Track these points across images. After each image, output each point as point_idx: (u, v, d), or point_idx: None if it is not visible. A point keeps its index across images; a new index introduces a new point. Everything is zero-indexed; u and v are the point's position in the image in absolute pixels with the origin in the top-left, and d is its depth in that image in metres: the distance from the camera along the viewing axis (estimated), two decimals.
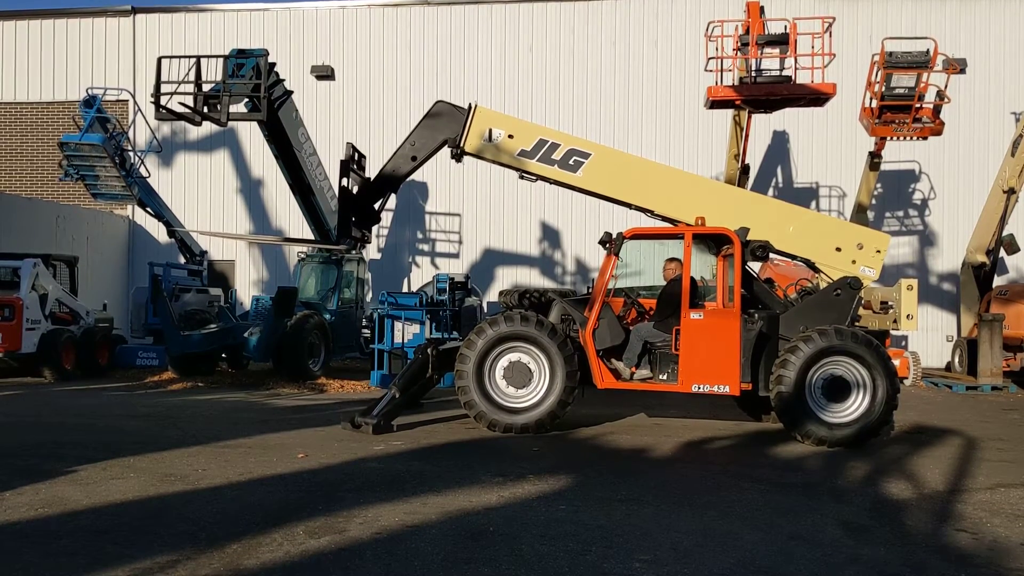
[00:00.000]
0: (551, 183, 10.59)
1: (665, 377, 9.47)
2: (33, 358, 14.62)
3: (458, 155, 10.68)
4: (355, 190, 10.56)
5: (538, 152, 10.28)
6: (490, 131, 10.35)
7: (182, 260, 18.15)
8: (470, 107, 10.44)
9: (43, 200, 20.58)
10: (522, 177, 10.63)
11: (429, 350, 9.95)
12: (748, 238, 9.42)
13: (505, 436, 9.33)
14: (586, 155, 10.26)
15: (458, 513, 5.86)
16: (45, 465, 7.19)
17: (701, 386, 9.19)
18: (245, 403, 12.18)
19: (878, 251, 9.95)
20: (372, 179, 10.71)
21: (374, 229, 21.11)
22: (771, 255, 9.83)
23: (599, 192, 10.46)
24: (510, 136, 10.34)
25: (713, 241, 10.18)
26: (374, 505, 6.00)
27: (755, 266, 10.55)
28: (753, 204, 10.48)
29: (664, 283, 10.27)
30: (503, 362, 9.38)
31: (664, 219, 10.69)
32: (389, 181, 10.70)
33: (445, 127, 10.54)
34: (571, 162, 10.26)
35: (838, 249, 9.93)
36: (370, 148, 20.77)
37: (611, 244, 9.58)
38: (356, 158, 10.80)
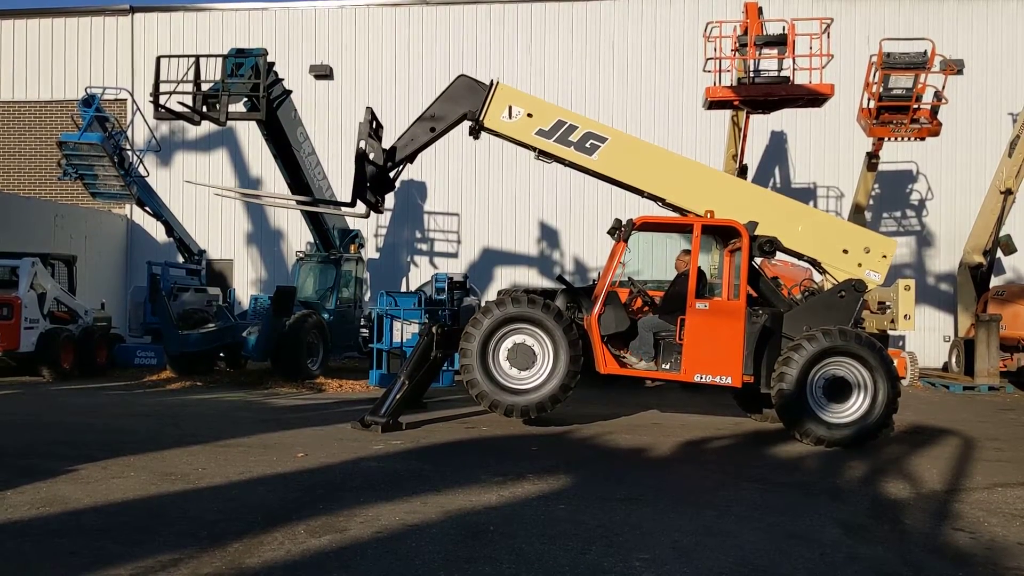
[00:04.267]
0: (566, 165, 10.61)
1: (668, 366, 9.51)
2: (31, 357, 14.61)
3: (476, 130, 10.73)
4: (372, 156, 10.54)
5: (556, 133, 10.32)
6: (510, 108, 10.40)
7: (180, 259, 18.14)
8: (492, 83, 10.51)
9: (41, 199, 20.56)
10: (538, 157, 10.67)
11: (434, 329, 10.00)
12: (756, 233, 9.49)
13: (504, 435, 9.36)
14: (603, 139, 10.30)
15: (458, 512, 5.88)
16: (45, 464, 7.20)
17: (704, 376, 9.25)
18: (244, 402, 12.19)
19: (884, 256, 9.98)
20: (389, 148, 10.71)
21: (373, 228, 21.31)
22: (776, 253, 9.89)
23: (613, 177, 10.47)
24: (529, 115, 10.38)
25: (721, 234, 10.22)
26: (374, 504, 6.02)
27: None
28: (764, 201, 10.48)
29: (674, 274, 10.36)
30: (507, 343, 9.40)
31: (674, 209, 10.72)
32: (406, 150, 10.72)
33: (466, 101, 10.57)
34: (587, 145, 10.29)
35: (845, 251, 9.96)
36: None
37: (620, 231, 9.65)
38: (374, 126, 10.75)
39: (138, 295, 16.71)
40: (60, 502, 5.98)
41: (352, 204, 10.99)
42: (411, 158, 10.94)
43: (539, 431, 9.62)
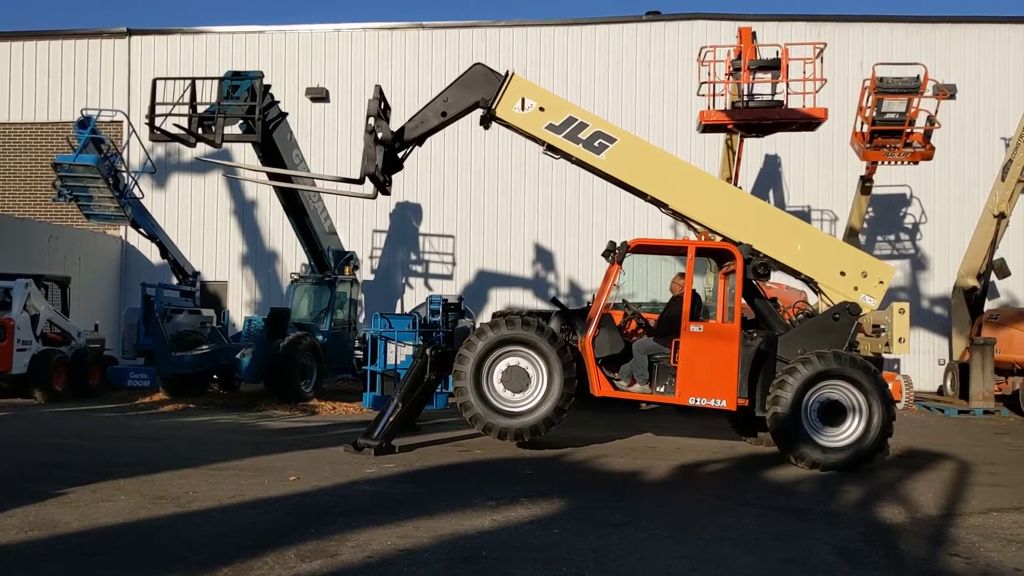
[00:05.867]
0: (573, 162, 10.64)
1: (663, 389, 9.48)
2: (24, 379, 14.53)
3: (487, 119, 10.75)
4: (380, 135, 10.51)
5: (566, 129, 10.34)
6: (523, 100, 10.42)
7: (175, 281, 18.11)
8: (507, 73, 10.55)
9: (36, 220, 20.53)
10: (545, 152, 10.70)
11: (428, 351, 9.96)
12: (755, 247, 9.50)
13: (498, 459, 9.31)
14: (612, 139, 10.32)
15: (451, 537, 5.83)
16: (35, 487, 7.13)
17: (698, 399, 9.21)
18: (236, 425, 12.12)
19: (881, 282, 10.00)
20: (398, 129, 10.70)
21: (368, 250, 21.31)
22: (770, 275, 9.89)
23: (618, 178, 10.48)
24: (541, 108, 10.40)
25: (716, 257, 10.20)
26: (366, 528, 5.97)
27: None
28: (766, 215, 10.50)
29: (670, 297, 10.35)
30: (501, 365, 9.35)
31: (676, 215, 10.71)
32: (415, 132, 10.72)
33: (480, 88, 10.58)
34: (596, 144, 10.32)
35: (842, 273, 9.98)
36: None
37: (614, 254, 9.66)
38: (382, 108, 10.73)
39: (132, 317, 16.68)
40: (49, 526, 5.92)
41: (360, 182, 10.92)
42: (420, 141, 10.91)
43: (533, 454, 9.58)
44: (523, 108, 10.40)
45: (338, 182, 11.81)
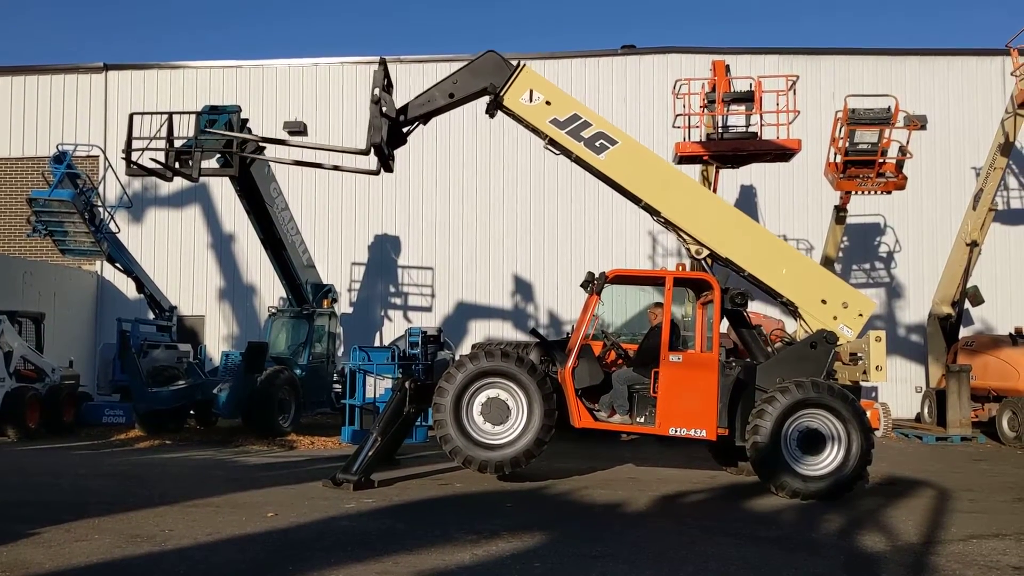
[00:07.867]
0: (572, 159, 10.73)
1: (643, 420, 9.48)
2: None
3: (493, 107, 10.84)
4: (385, 109, 10.54)
5: (569, 125, 10.48)
6: (531, 92, 10.58)
7: (151, 316, 17.95)
8: (518, 64, 10.71)
9: (10, 256, 20.34)
10: (546, 146, 10.80)
11: (407, 384, 9.91)
12: (741, 265, 9.55)
13: (478, 492, 9.25)
14: (613, 141, 10.46)
15: (431, 572, 5.77)
16: (7, 527, 6.99)
17: (678, 429, 9.22)
18: (214, 461, 11.99)
19: (860, 314, 10.12)
20: (403, 105, 10.72)
21: (347, 282, 21.26)
22: (747, 305, 9.95)
23: (615, 179, 10.56)
24: (548, 103, 10.57)
25: (694, 287, 10.24)
26: (345, 565, 5.90)
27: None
28: (756, 236, 10.59)
29: (648, 327, 10.38)
30: (481, 398, 9.33)
31: (668, 224, 10.76)
32: (420, 109, 10.76)
33: (490, 75, 10.69)
34: (597, 144, 10.46)
35: (824, 302, 10.08)
36: (343, 198, 20.83)
37: (593, 284, 9.69)
38: (386, 84, 10.75)
39: (107, 352, 16.48)
40: (21, 567, 5.81)
41: (366, 152, 10.92)
42: (425, 119, 10.98)
43: (514, 487, 9.52)
44: (531, 100, 10.58)
45: (343, 153, 11.73)
